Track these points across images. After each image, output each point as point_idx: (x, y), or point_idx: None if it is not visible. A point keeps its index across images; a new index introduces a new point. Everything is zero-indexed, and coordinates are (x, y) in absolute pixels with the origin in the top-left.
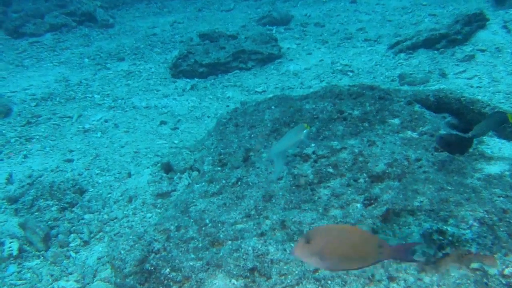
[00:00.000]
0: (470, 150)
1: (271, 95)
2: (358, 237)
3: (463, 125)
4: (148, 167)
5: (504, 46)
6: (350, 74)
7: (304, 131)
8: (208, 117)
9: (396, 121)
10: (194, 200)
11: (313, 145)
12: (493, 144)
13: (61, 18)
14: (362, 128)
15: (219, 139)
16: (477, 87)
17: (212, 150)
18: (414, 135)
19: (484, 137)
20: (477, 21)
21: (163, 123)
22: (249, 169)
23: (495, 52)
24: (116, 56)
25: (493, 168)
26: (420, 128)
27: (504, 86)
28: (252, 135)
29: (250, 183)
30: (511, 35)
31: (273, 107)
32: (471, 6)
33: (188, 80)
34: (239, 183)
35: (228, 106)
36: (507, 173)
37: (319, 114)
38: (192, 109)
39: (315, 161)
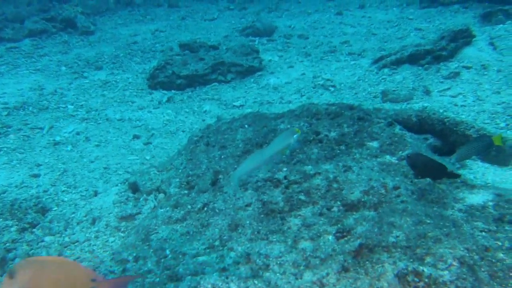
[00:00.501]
0: (446, 178)
1: (248, 111)
2: (68, 270)
3: (446, 147)
4: (116, 185)
5: (490, 63)
6: (332, 89)
7: (295, 135)
8: (183, 131)
9: (375, 144)
10: (156, 227)
11: (285, 169)
12: (477, 168)
13: (41, 23)
14: (338, 151)
15: (189, 158)
16: (461, 105)
17: (180, 170)
18: (393, 160)
19: (467, 161)
20: (463, 38)
21: (136, 137)
22: (217, 194)
23: (480, 69)
24: (94, 64)
25: (476, 198)
26: (400, 152)
27: (489, 105)
28: (223, 156)
29: (217, 210)
30: (498, 52)
31: (246, 125)
32: (457, 21)
33: (165, 92)
34: (205, 208)
35: (204, 120)
36: (490, 203)
37: None
38: (167, 123)
39: (287, 187)
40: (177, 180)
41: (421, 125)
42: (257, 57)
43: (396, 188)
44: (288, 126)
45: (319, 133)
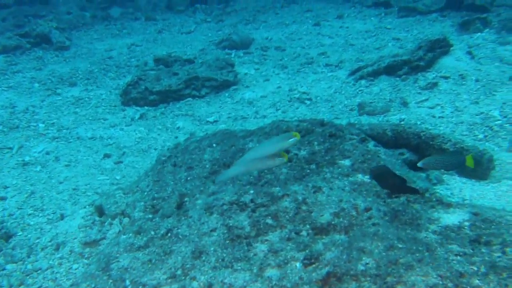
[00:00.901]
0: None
1: (221, 127)
2: None
3: None
4: (84, 207)
5: (468, 73)
6: (308, 102)
7: (290, 140)
8: (155, 149)
9: (347, 162)
10: (118, 255)
11: (252, 191)
12: (454, 184)
13: (14, 39)
14: (308, 171)
15: (156, 180)
16: (439, 117)
17: (146, 193)
18: (366, 179)
19: (445, 176)
20: (440, 47)
21: (106, 156)
22: (181, 219)
23: (458, 79)
24: (68, 80)
25: (452, 218)
26: None
27: (468, 116)
28: (189, 178)
29: (180, 236)
30: (476, 62)
31: (214, 144)
32: (435, 30)
33: (138, 108)
34: (169, 234)
35: (176, 137)
36: (466, 224)
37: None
38: (139, 141)
39: (253, 211)
40: (142, 203)
41: (396, 139)
42: (232, 71)
43: (367, 209)
44: (257, 144)
45: (288, 152)
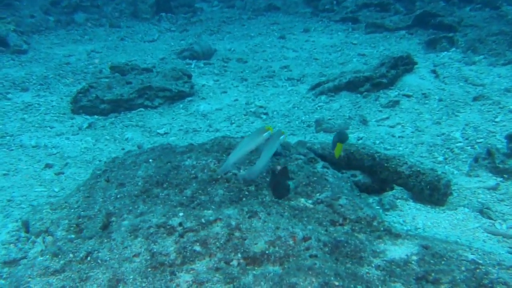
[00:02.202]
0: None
1: (171, 139)
2: None
3: (376, 184)
4: (16, 221)
5: (431, 92)
6: (264, 117)
7: (281, 137)
8: (100, 161)
9: (290, 184)
10: (29, 280)
11: (181, 214)
12: (407, 210)
13: None
14: (246, 193)
15: (86, 196)
16: (399, 136)
17: (73, 210)
18: (308, 203)
19: (398, 201)
20: (404, 65)
21: (48, 166)
22: (104, 241)
23: (421, 98)
24: (20, 85)
25: (399, 251)
26: (317, 194)
27: (428, 136)
28: (119, 196)
29: (100, 260)
30: (440, 81)
31: (151, 160)
32: (402, 47)
33: (88, 117)
34: (88, 258)
35: (123, 149)
36: (414, 258)
37: (198, 173)
38: (85, 151)
39: (181, 235)
40: (66, 221)
41: (349, 160)
42: (188, 82)
43: (306, 239)
44: (194, 162)
45: (227, 172)
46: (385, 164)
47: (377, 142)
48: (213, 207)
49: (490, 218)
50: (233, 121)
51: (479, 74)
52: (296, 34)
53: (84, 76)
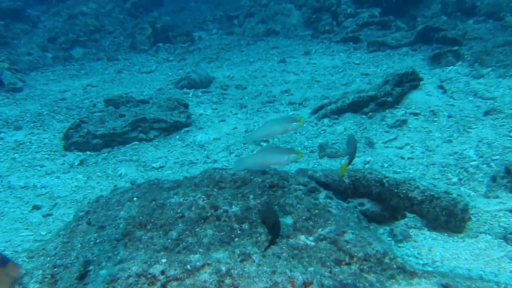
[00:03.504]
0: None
1: (166, 173)
2: None
3: (387, 212)
4: None
5: (440, 108)
6: (264, 144)
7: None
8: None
9: (288, 220)
10: None
11: (164, 260)
12: (422, 240)
13: None
14: (239, 232)
15: (65, 241)
16: (408, 158)
17: (49, 258)
18: (310, 241)
19: (412, 231)
20: (409, 81)
21: (36, 208)
22: None
23: (430, 115)
24: (13, 124)
25: None
26: (319, 230)
27: (440, 156)
28: (98, 240)
29: None
30: (448, 96)
31: (135, 198)
32: (406, 64)
33: (80, 153)
34: None
35: (115, 186)
36: None
37: (185, 212)
38: (75, 190)
39: (163, 286)
40: (40, 272)
41: (355, 187)
42: (184, 111)
43: (307, 284)
44: (181, 199)
45: (217, 208)
46: (395, 190)
47: (386, 165)
48: (200, 250)
49: None
50: (231, 151)
51: (488, 87)
52: (297, 57)
53: (78, 111)
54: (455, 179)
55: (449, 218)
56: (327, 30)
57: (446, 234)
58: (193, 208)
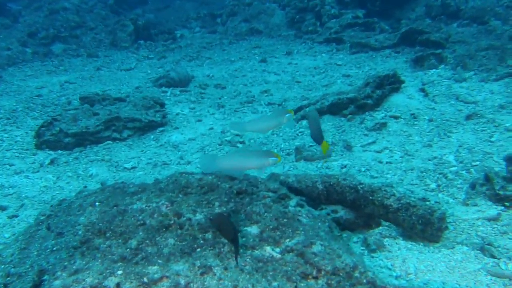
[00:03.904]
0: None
1: (138, 174)
2: None
3: (361, 220)
4: None
5: (421, 112)
6: (240, 146)
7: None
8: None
9: (254, 230)
10: None
11: (119, 272)
12: (396, 250)
13: None
14: (202, 241)
15: (22, 248)
16: (386, 162)
17: (4, 266)
18: (276, 253)
19: (386, 240)
20: (390, 84)
21: (1, 208)
22: None
23: (410, 119)
24: None
25: None
26: (287, 241)
27: (419, 161)
28: (55, 248)
29: None
30: (429, 100)
31: (97, 203)
32: (388, 66)
33: (51, 152)
34: None
35: (85, 187)
36: None
37: (146, 219)
38: (44, 190)
39: None
40: None
41: (329, 194)
42: (160, 111)
43: None
44: (144, 205)
45: (180, 215)
46: (370, 197)
47: (363, 169)
48: (160, 261)
49: (493, 257)
50: (206, 152)
51: (470, 91)
52: (278, 57)
53: (54, 108)
54: (433, 185)
55: (425, 227)
56: (310, 31)
57: (421, 243)
58: (155, 215)
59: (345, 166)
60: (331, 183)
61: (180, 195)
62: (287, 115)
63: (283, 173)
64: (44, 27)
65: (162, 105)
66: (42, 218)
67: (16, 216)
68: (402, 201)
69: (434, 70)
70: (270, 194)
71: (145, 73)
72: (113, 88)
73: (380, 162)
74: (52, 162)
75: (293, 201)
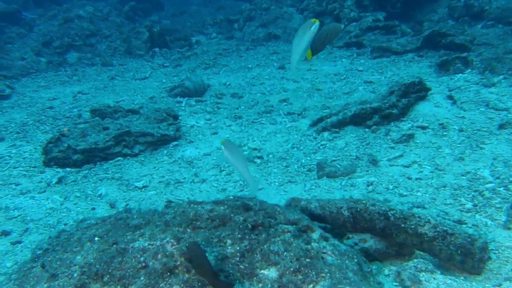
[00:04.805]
0: None
1: (150, 194)
2: None
3: (392, 250)
4: None
5: (450, 121)
6: (258, 161)
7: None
8: (65, 225)
9: (272, 273)
10: None
11: None
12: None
13: None
14: None
15: None
16: (416, 179)
17: None
18: None
19: (423, 275)
20: (416, 92)
21: (5, 234)
22: None
23: (439, 129)
24: None
25: None
26: (310, 286)
27: (451, 177)
28: None
29: None
30: (458, 107)
31: (96, 238)
32: (412, 71)
33: (59, 170)
34: None
35: (94, 209)
36: None
37: (149, 261)
38: (50, 213)
39: None
40: None
41: (355, 221)
42: (173, 124)
43: None
44: (147, 244)
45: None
46: (402, 225)
47: (391, 187)
48: None
49: None
50: (222, 169)
51: (500, 97)
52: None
53: (65, 121)
54: (469, 205)
55: (465, 258)
56: None
57: (462, 277)
58: (159, 256)
59: (371, 184)
60: (358, 209)
61: (188, 230)
62: (313, 26)
63: (304, 198)
64: (58, 36)
65: (176, 117)
66: (39, 252)
67: (20, 242)
68: (438, 229)
69: (460, 74)
70: (290, 228)
71: (159, 82)
72: (126, 98)
73: (409, 178)
74: (59, 181)
75: (316, 233)
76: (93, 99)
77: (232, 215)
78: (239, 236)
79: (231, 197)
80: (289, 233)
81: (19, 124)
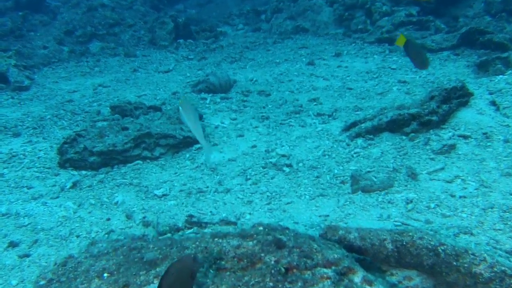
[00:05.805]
0: None
1: (170, 203)
2: None
3: None
4: None
5: (494, 130)
6: (287, 170)
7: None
8: (77, 237)
9: None
10: None
11: None
12: None
13: None
14: None
15: None
16: (460, 197)
17: None
18: None
19: None
20: (458, 97)
21: (12, 245)
22: None
23: (482, 139)
24: (12, 129)
25: None
26: None
27: (499, 195)
28: None
29: None
30: (502, 114)
31: (106, 275)
32: (448, 71)
33: (75, 172)
34: None
35: (109, 219)
36: None
37: None
38: (62, 221)
39: None
40: None
41: (400, 256)
42: None
43: None
44: None
45: None
46: (454, 263)
47: (432, 205)
48: None
49: None
50: (248, 177)
51: None
52: (327, 59)
53: (84, 116)
54: None
55: None
56: (360, 29)
57: None
58: None
59: (411, 201)
60: (404, 243)
61: (211, 271)
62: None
63: (342, 226)
64: (81, 25)
65: (200, 117)
66: (42, 283)
67: (28, 256)
68: (495, 269)
69: (501, 76)
70: (330, 273)
71: (183, 76)
72: (148, 93)
73: (452, 195)
74: (74, 185)
75: (359, 276)
76: (114, 92)
77: (262, 254)
78: (271, 284)
79: (261, 228)
80: (328, 280)
81: (36, 119)
